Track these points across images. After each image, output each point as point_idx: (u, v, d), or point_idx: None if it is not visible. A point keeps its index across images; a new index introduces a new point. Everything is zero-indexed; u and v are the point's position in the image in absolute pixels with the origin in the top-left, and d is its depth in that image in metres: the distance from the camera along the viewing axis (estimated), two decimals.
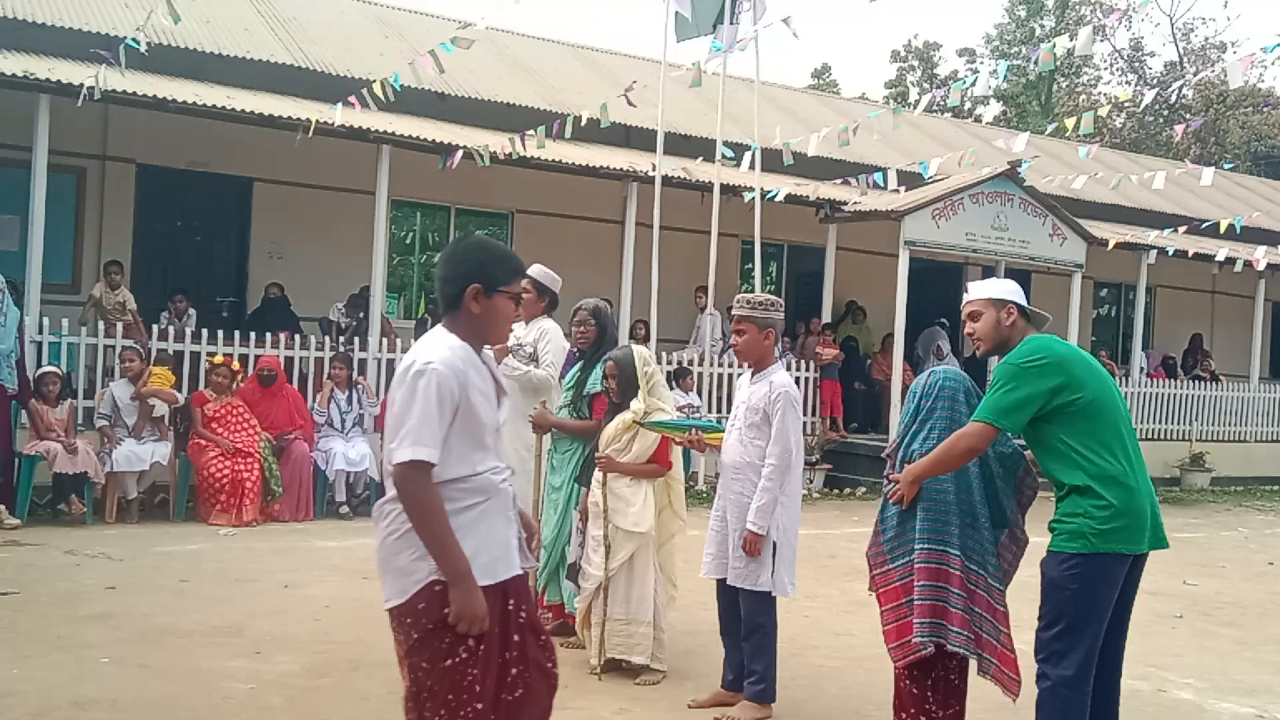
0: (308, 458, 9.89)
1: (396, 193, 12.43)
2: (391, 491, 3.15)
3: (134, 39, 9.75)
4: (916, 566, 4.25)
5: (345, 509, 10.06)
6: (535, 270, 6.76)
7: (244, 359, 10.56)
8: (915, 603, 4.24)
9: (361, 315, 12.14)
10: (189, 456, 9.52)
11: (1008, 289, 4.29)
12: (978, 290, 4.33)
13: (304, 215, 13.29)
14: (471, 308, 3.24)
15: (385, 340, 11.62)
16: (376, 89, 10.56)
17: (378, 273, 11.77)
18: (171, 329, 10.94)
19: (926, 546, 4.23)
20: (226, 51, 13.27)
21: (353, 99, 10.72)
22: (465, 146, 11.63)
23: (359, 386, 10.67)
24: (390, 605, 3.17)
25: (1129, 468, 4.01)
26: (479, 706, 3.09)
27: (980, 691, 4.39)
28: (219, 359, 9.95)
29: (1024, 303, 4.25)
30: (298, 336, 11.25)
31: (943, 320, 16.34)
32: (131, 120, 11.89)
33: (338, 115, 10.81)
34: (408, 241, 15.17)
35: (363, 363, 11.29)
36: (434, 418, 3.06)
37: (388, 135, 11.50)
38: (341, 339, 11.80)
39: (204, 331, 10.75)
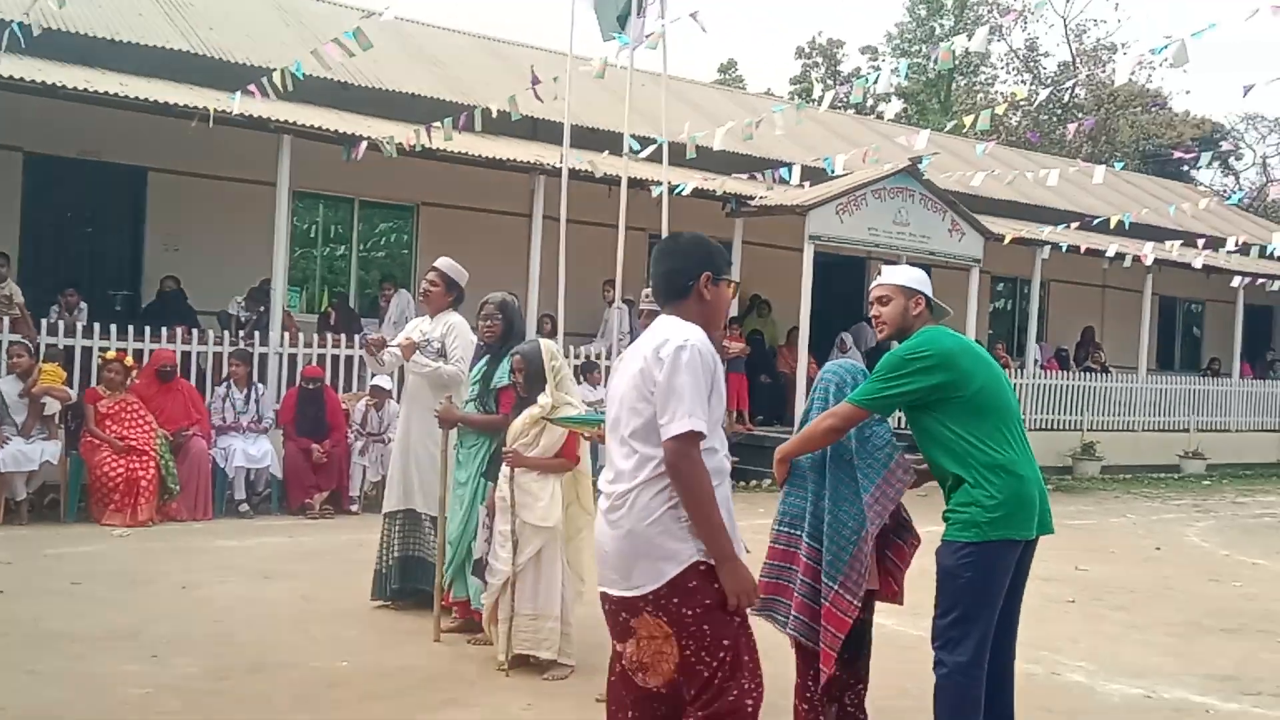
0: (206, 455, 9.66)
1: (298, 184, 12.20)
2: (623, 484, 3.22)
3: (20, 22, 9.39)
4: (769, 545, 4.33)
5: (245, 507, 9.86)
6: (443, 263, 6.70)
7: (138, 354, 10.26)
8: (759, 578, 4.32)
9: (262, 309, 11.89)
10: (81, 455, 9.23)
11: (919, 279, 4.36)
12: (891, 275, 4.39)
13: (202, 206, 12.96)
14: (704, 294, 3.40)
15: (287, 335, 11.40)
16: (277, 78, 10.34)
17: (279, 265, 11.54)
18: (61, 324, 10.58)
19: (778, 528, 4.32)
20: (120, 37, 12.87)
21: (252, 87, 10.48)
22: (370, 137, 11.46)
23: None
24: (643, 591, 3.20)
25: (1018, 456, 4.12)
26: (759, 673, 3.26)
27: (881, 679, 4.48)
28: (111, 354, 9.66)
29: (931, 295, 4.34)
30: (195, 331, 10.98)
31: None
32: (19, 107, 11.43)
33: (236, 104, 10.56)
34: (310, 234, 14.90)
35: (264, 358, 11.05)
36: (702, 391, 3.17)
37: (289, 125, 11.28)
38: (241, 333, 11.54)
39: (96, 326, 10.41)
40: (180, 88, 12.03)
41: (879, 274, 4.48)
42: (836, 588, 4.14)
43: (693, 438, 3.12)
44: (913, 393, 4.10)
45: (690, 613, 3.18)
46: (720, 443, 3.32)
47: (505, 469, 5.54)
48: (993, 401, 4.14)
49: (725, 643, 3.19)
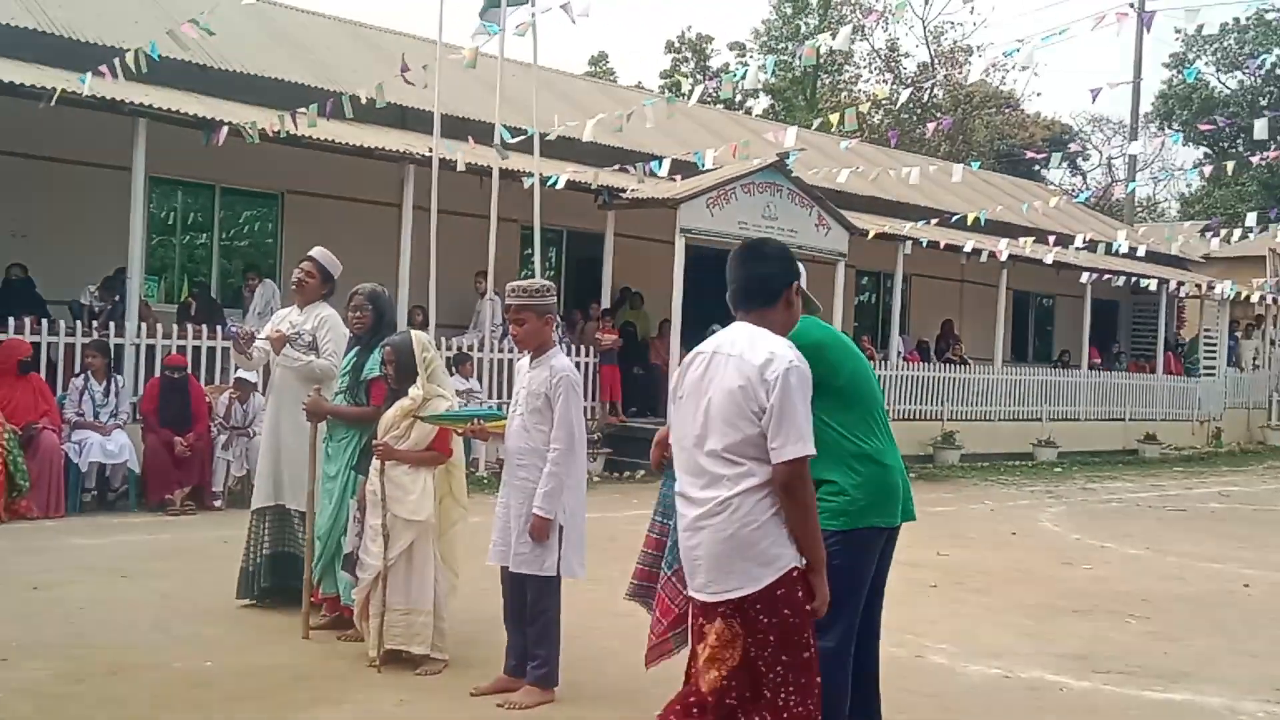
0: (58, 449, 9.24)
1: (155, 169, 11.76)
2: (724, 491, 3.29)
3: None
4: (646, 534, 4.37)
5: (88, 498, 9.46)
6: (319, 253, 6.55)
7: None
8: (636, 565, 4.38)
9: (117, 298, 11.42)
10: None
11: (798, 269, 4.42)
12: None
13: (52, 191, 12.38)
14: (790, 301, 3.60)
15: (144, 325, 10.98)
16: (130, 58, 9.95)
17: (135, 253, 11.09)
18: None
19: (655, 518, 4.36)
20: None
21: (104, 68, 10.06)
22: (230, 122, 11.11)
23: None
24: (734, 595, 3.27)
25: (883, 445, 4.23)
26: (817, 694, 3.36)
27: None
28: None
29: (805, 287, 4.40)
30: (44, 321, 10.48)
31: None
32: None
33: (87, 85, 10.12)
34: (169, 221, 14.35)
35: (119, 349, 10.62)
36: (809, 411, 3.33)
37: (144, 108, 10.84)
38: (95, 324, 11.07)
39: None
40: (26, 66, 11.46)
41: None
42: (670, 574, 4.20)
43: (805, 460, 3.26)
44: None
45: (765, 620, 3.27)
46: None
47: (376, 462, 5.45)
48: (859, 392, 4.23)
49: (784, 658, 3.28)
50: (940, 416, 17.91)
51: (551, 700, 4.99)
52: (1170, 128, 39.91)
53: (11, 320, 10.11)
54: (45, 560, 7.50)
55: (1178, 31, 41.18)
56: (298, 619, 5.94)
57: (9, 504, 8.84)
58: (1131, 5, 18.72)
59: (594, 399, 14.16)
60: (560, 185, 13.33)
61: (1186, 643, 6.85)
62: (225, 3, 10.01)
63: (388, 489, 5.40)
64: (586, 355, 14.11)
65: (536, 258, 13.03)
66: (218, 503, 9.93)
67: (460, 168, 12.52)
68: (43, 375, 9.98)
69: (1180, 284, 21.48)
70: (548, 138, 12.88)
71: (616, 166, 14.69)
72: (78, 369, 10.11)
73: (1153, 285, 19.94)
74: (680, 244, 14.13)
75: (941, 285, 21.52)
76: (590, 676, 5.44)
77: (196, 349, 11.09)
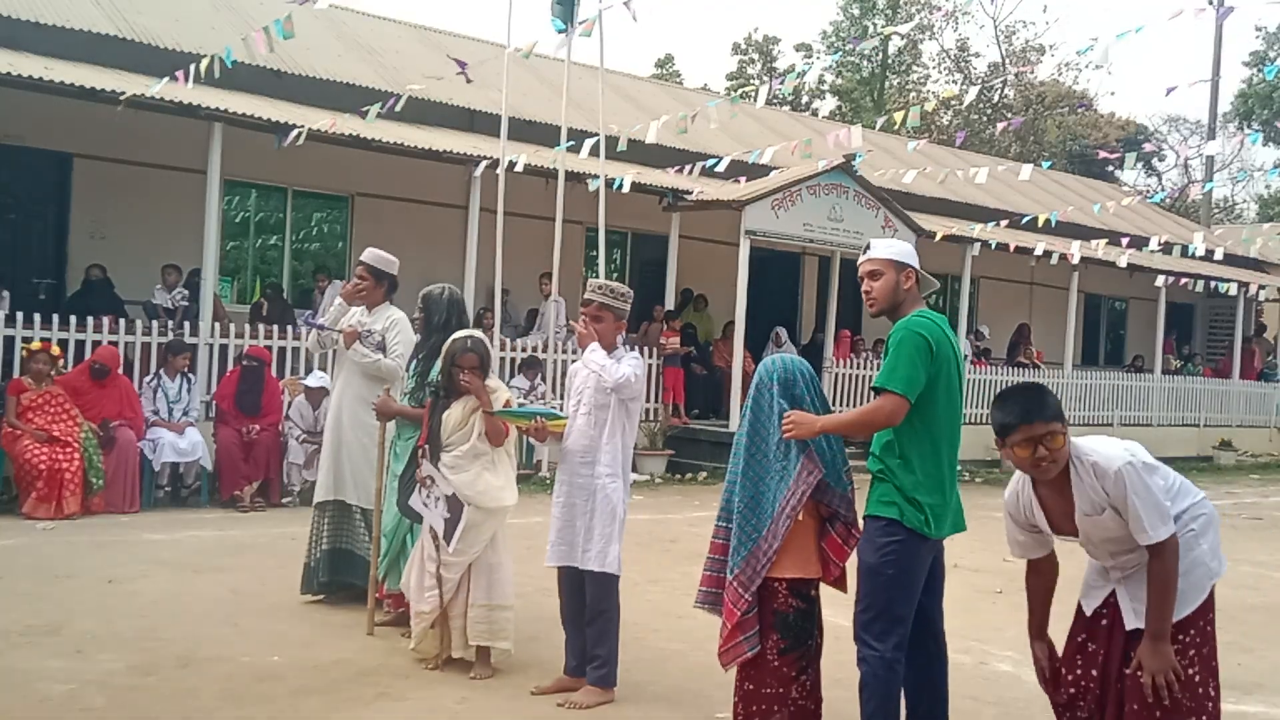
0: (134, 447, 9.46)
1: (230, 172, 12.00)
2: None
3: None
4: (711, 540, 4.38)
5: (161, 494, 9.67)
6: (369, 255, 6.62)
7: (63, 344, 10.03)
8: (703, 571, 4.38)
9: (186, 291, 11.70)
10: (2, 445, 8.99)
11: (908, 252, 4.30)
12: (881, 249, 4.29)
13: (129, 194, 12.70)
14: None
15: (218, 325, 11.21)
16: (205, 64, 10.15)
17: (209, 255, 11.33)
18: None
19: (717, 522, 4.35)
20: (44, 19, 12.55)
21: (179, 73, 10.28)
22: (301, 126, 11.29)
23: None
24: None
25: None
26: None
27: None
28: (36, 345, 9.42)
29: (919, 268, 4.35)
30: (122, 320, 10.74)
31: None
32: None
33: (159, 89, 10.34)
34: (238, 221, 14.63)
35: (193, 348, 10.84)
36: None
37: (218, 112, 11.07)
38: (170, 323, 11.32)
39: (19, 315, 10.15)
40: (106, 72, 11.77)
41: (866, 249, 4.35)
42: (731, 579, 4.19)
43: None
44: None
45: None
46: None
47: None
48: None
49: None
50: None
51: (611, 700, 5.00)
52: (1249, 127, 38.91)
53: (90, 320, 10.38)
54: (120, 554, 7.68)
55: (1258, 30, 40.26)
56: (363, 615, 6.02)
57: (85, 500, 9.07)
58: (1210, 1, 18.28)
59: (657, 400, 14.17)
60: (625, 188, 13.35)
61: (1261, 654, 6.68)
62: (300, 9, 10.16)
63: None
64: (649, 357, 14.12)
65: (601, 260, 13.07)
66: (287, 500, 10.08)
67: (540, 165, 12.58)
68: (121, 373, 10.19)
69: (1261, 288, 20.92)
70: (618, 149, 12.91)
71: (676, 168, 14.67)
72: (153, 368, 10.34)
73: (1231, 289, 19.44)
74: (745, 246, 14.09)
75: (1010, 288, 21.19)
76: (651, 677, 5.45)
77: (268, 348, 11.29)
